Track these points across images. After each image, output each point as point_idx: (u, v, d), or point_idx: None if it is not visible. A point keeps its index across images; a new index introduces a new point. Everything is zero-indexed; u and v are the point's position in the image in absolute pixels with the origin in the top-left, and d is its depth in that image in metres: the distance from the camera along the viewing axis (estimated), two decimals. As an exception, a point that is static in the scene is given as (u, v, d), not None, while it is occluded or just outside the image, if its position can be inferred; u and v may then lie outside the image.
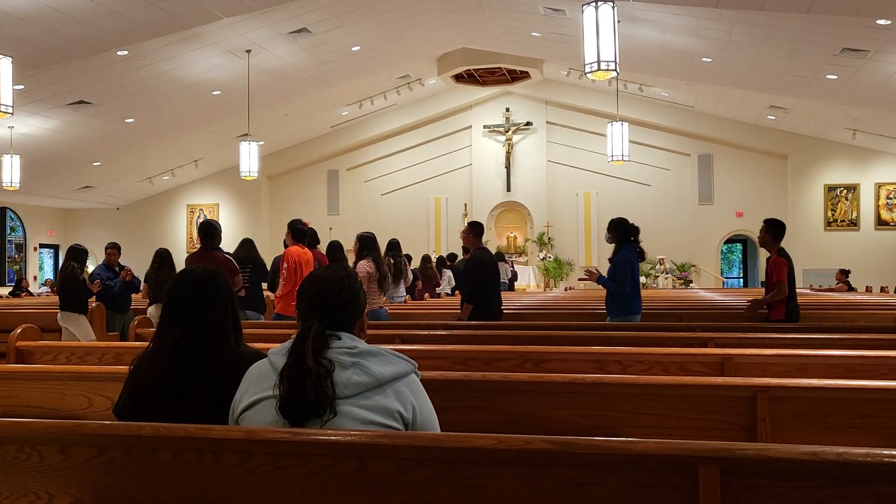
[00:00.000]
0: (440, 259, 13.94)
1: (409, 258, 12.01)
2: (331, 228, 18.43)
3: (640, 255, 6.48)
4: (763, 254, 19.59)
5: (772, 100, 15.87)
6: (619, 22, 8.18)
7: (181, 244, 21.57)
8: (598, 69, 8.00)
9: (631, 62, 13.48)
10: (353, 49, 14.62)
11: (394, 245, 9.79)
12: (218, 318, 2.23)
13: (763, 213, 19.27)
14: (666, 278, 18.79)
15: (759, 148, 19.28)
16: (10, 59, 8.62)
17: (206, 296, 2.24)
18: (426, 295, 11.83)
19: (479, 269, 6.60)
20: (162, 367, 2.16)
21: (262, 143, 18.02)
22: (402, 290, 9.90)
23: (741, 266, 24.33)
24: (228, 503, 1.80)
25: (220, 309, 2.24)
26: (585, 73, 8.42)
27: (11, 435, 1.88)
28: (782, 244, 6.03)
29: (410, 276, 10.71)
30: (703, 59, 13.23)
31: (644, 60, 14.23)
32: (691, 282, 18.92)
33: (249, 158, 14.63)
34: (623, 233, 6.46)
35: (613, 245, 6.57)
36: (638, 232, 6.60)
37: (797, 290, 6.14)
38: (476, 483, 1.70)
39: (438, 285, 12.87)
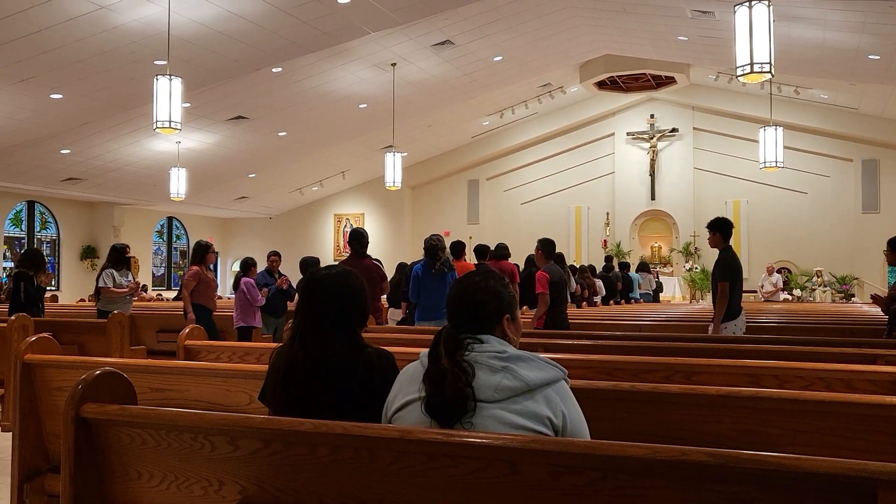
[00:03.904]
0: (591, 268, 14.19)
1: (573, 269, 12.83)
2: (470, 237, 18.62)
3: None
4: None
5: (947, 99, 14.60)
6: (773, 21, 7.79)
7: (328, 252, 22.46)
8: (751, 72, 7.63)
9: (786, 63, 12.81)
10: (495, 59, 14.74)
11: (560, 258, 11.07)
12: (343, 315, 2.34)
13: (937, 222, 17.83)
14: (824, 291, 17.64)
15: (932, 152, 17.78)
16: (181, 79, 9.30)
17: (334, 293, 2.36)
18: (584, 304, 12.36)
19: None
20: (291, 354, 2.31)
21: (406, 153, 18.50)
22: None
23: (910, 279, 22.48)
24: (381, 500, 1.85)
25: (345, 306, 2.35)
26: (737, 77, 8.07)
27: (188, 424, 2.03)
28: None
29: (574, 286, 11.50)
30: (870, 56, 12.35)
31: (801, 61, 13.47)
32: (853, 296, 17.66)
33: (394, 169, 15.05)
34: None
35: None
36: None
37: None
38: (629, 492, 1.66)
39: (595, 294, 13.05)
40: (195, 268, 8.47)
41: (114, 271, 8.13)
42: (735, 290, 6.25)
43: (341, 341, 2.30)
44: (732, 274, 6.25)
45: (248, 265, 9.13)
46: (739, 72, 7.81)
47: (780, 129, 14.71)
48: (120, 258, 8.27)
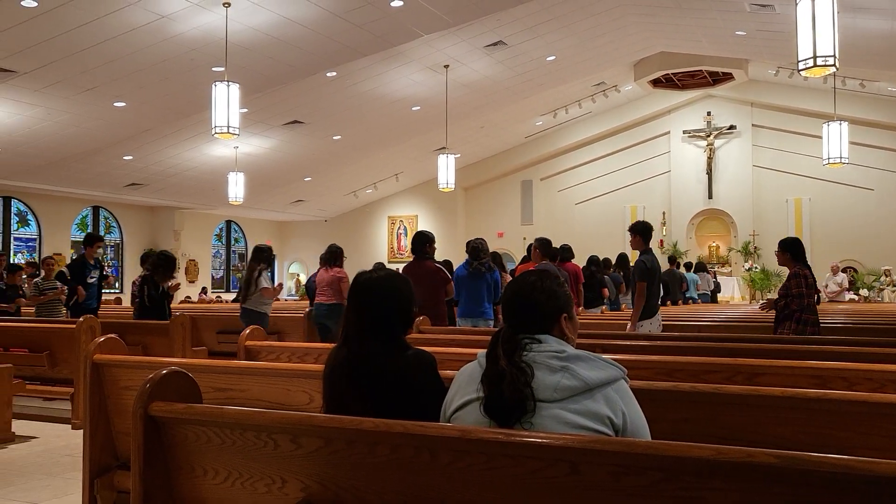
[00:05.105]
0: None
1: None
2: (524, 238, 18.54)
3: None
4: None
5: None
6: (837, 12, 7.56)
7: (382, 254, 22.63)
8: (814, 66, 7.42)
9: (851, 56, 12.43)
10: (548, 59, 14.66)
11: (623, 259, 11.38)
12: (384, 317, 2.36)
13: None
14: (893, 291, 17.05)
15: None
16: (238, 85, 9.49)
17: (375, 296, 2.40)
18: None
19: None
20: (337, 354, 2.37)
21: (458, 155, 18.52)
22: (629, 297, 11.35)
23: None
24: (442, 499, 1.86)
25: (386, 309, 2.38)
26: (798, 71, 7.85)
27: (251, 423, 2.07)
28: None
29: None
30: (938, 47, 11.93)
31: (867, 53, 13.06)
32: (923, 295, 17.03)
33: (447, 171, 15.09)
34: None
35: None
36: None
37: None
38: (693, 494, 1.63)
39: None
40: (342, 270, 8.70)
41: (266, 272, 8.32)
42: (651, 291, 6.62)
43: (381, 343, 2.33)
44: (649, 276, 6.60)
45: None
46: (802, 66, 7.60)
47: (844, 124, 14.28)
48: (270, 259, 8.48)
